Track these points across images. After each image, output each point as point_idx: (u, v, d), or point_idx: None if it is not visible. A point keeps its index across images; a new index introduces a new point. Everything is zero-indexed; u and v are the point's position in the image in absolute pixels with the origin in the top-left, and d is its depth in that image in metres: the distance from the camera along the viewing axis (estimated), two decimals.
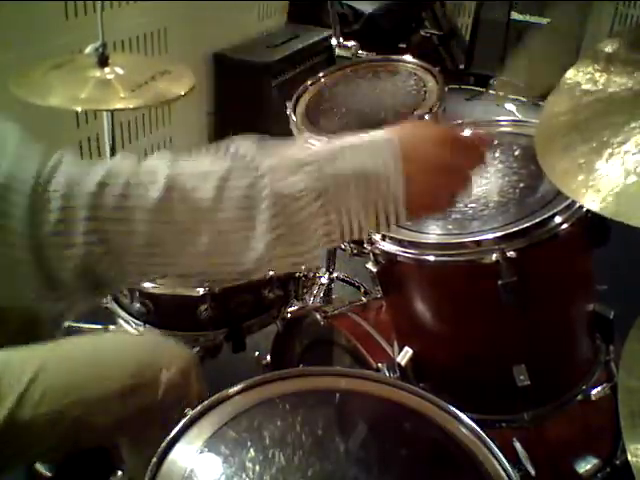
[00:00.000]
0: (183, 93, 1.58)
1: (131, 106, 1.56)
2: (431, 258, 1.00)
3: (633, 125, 0.71)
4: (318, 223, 0.65)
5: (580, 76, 0.84)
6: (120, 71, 1.59)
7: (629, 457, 0.61)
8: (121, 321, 1.49)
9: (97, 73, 1.57)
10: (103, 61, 1.58)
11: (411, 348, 1.13)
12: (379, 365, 1.17)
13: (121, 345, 1.15)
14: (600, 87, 0.80)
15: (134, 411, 1.06)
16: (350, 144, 0.68)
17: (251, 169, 0.64)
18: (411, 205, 0.68)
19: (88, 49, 1.61)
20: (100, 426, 1.07)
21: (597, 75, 0.81)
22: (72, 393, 1.03)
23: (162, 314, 1.42)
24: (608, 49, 0.84)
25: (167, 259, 0.64)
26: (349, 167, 0.66)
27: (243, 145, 0.66)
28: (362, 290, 1.80)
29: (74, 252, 0.61)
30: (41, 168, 0.62)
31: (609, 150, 0.70)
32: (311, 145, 0.68)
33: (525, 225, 0.95)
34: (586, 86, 0.81)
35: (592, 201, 0.68)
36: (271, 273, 1.41)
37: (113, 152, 1.86)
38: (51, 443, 1.02)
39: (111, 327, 1.60)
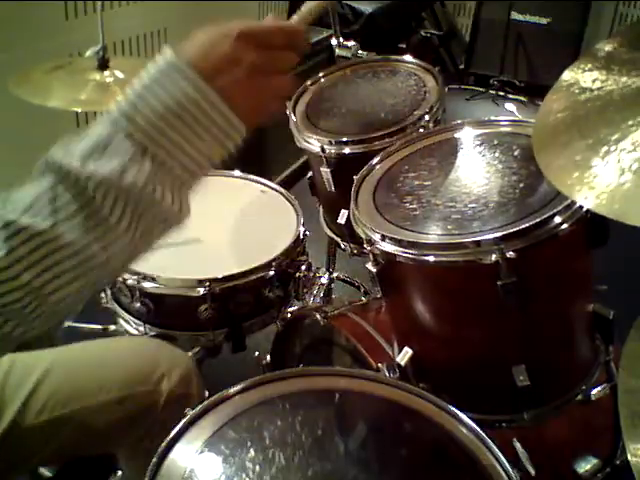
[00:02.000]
0: None
1: None
2: (431, 258, 1.00)
3: (630, 123, 0.71)
4: (160, 179, 0.64)
5: (579, 74, 0.84)
6: (120, 75, 1.59)
7: (629, 457, 0.61)
8: (121, 321, 1.49)
9: (97, 76, 1.57)
10: (103, 64, 1.58)
11: (411, 348, 1.13)
12: (379, 365, 1.17)
13: (123, 351, 1.15)
14: (598, 85, 0.80)
15: (135, 418, 1.06)
16: (143, 85, 0.67)
17: (66, 177, 0.62)
18: (241, 117, 0.67)
19: (88, 52, 1.61)
20: (102, 434, 1.07)
21: (595, 73, 0.81)
22: (75, 400, 1.03)
23: (162, 314, 1.42)
24: (607, 48, 0.84)
25: (49, 299, 0.62)
26: (160, 107, 0.64)
27: (52, 155, 0.64)
28: (362, 290, 1.80)
29: None
30: None
31: (605, 148, 0.70)
32: (108, 113, 0.66)
33: (525, 225, 0.95)
34: (584, 84, 0.81)
35: (586, 198, 0.68)
36: (271, 273, 1.41)
37: None
38: (52, 450, 1.02)
39: (111, 327, 1.60)
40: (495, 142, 1.20)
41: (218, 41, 0.70)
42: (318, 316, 1.36)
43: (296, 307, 1.52)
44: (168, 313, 1.43)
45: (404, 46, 3.92)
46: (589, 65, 0.83)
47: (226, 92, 0.66)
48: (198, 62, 0.67)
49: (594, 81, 0.80)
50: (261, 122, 0.71)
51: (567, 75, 0.85)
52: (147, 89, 0.66)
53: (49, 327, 0.66)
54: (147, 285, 1.37)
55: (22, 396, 1.00)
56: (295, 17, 0.79)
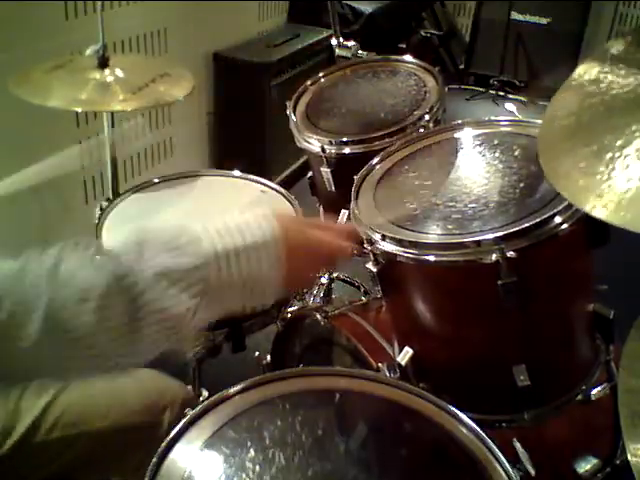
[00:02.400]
0: (182, 97, 1.57)
1: (130, 109, 1.55)
2: (431, 258, 1.00)
3: (634, 128, 0.71)
4: (193, 322, 0.69)
5: (585, 77, 0.84)
6: (120, 73, 1.59)
7: (629, 457, 0.61)
8: None
9: (97, 75, 1.57)
10: (103, 63, 1.58)
11: (411, 348, 1.13)
12: (379, 365, 1.17)
13: (133, 381, 1.15)
14: (604, 88, 0.79)
15: (136, 447, 1.06)
16: (236, 247, 0.71)
17: (128, 288, 0.64)
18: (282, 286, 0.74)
19: (88, 51, 1.61)
20: (103, 459, 1.07)
21: (602, 76, 0.81)
22: (84, 422, 1.03)
23: None
24: (613, 50, 0.84)
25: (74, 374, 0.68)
26: (235, 275, 0.70)
27: (122, 247, 0.67)
28: (362, 290, 1.80)
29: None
30: None
31: (610, 154, 0.70)
32: (194, 239, 0.70)
33: (525, 225, 0.95)
34: (591, 88, 0.81)
35: (593, 206, 0.67)
36: None
37: (113, 152, 1.86)
38: (55, 469, 1.02)
39: None
40: (495, 142, 1.19)
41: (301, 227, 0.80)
42: (318, 316, 1.36)
43: (296, 307, 1.52)
44: None
45: (404, 46, 3.92)
46: (593, 71, 0.83)
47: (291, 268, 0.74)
48: (287, 244, 0.74)
49: (599, 84, 0.80)
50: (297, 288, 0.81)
51: (571, 80, 0.85)
52: (238, 251, 0.71)
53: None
54: None
55: (36, 412, 1.00)
56: None
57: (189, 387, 1.42)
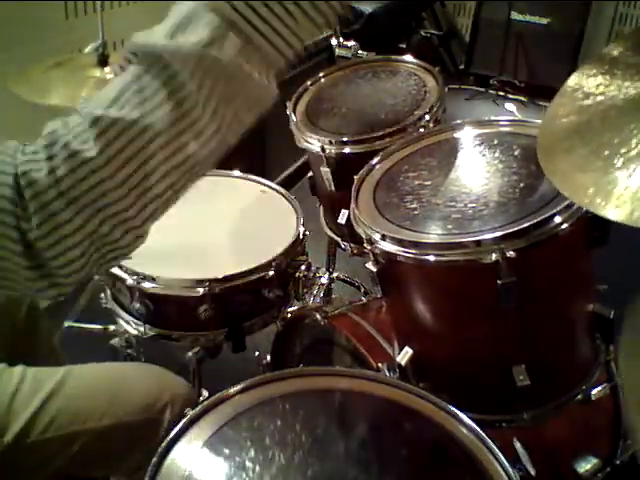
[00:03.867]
0: None
1: None
2: (431, 258, 1.00)
3: (633, 126, 0.71)
4: (244, 60, 0.61)
5: (584, 79, 0.84)
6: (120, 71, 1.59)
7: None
8: (121, 321, 1.49)
9: (97, 73, 1.57)
10: (103, 61, 1.58)
11: (411, 348, 1.13)
12: (379, 365, 1.17)
13: (132, 378, 1.14)
14: (603, 90, 0.80)
15: (136, 445, 1.06)
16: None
17: (156, 61, 0.60)
18: None
19: (88, 48, 1.61)
20: (102, 457, 1.06)
21: (600, 78, 0.81)
22: (80, 421, 1.02)
23: (162, 314, 1.42)
24: (612, 52, 0.84)
25: (150, 194, 0.61)
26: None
27: (140, 42, 0.63)
28: (362, 290, 1.80)
29: (74, 239, 0.59)
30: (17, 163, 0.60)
31: (609, 151, 0.70)
32: None
33: (525, 225, 0.95)
34: (589, 90, 0.81)
35: (591, 203, 0.68)
36: (271, 273, 1.41)
37: None
38: (52, 469, 1.01)
39: (111, 327, 1.60)
40: (495, 142, 1.19)
41: None
42: (318, 316, 1.36)
43: (296, 307, 1.52)
44: (168, 313, 1.43)
45: (404, 46, 3.92)
46: (593, 70, 0.83)
47: None
48: None
49: (598, 86, 0.80)
50: None
51: (571, 81, 0.85)
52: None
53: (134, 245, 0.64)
54: (147, 285, 1.37)
55: (30, 411, 0.99)
56: None
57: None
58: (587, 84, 0.82)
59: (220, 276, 1.36)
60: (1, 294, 1.23)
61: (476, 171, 1.14)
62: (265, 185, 1.69)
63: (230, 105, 0.61)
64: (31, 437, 0.98)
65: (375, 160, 1.27)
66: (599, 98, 0.79)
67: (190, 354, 1.44)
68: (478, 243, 0.97)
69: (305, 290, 1.58)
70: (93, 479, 1.16)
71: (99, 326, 1.67)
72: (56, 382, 1.04)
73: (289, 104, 1.58)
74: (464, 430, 0.86)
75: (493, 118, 1.26)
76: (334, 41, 1.83)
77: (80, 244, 0.60)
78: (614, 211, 0.65)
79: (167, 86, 0.59)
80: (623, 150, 0.69)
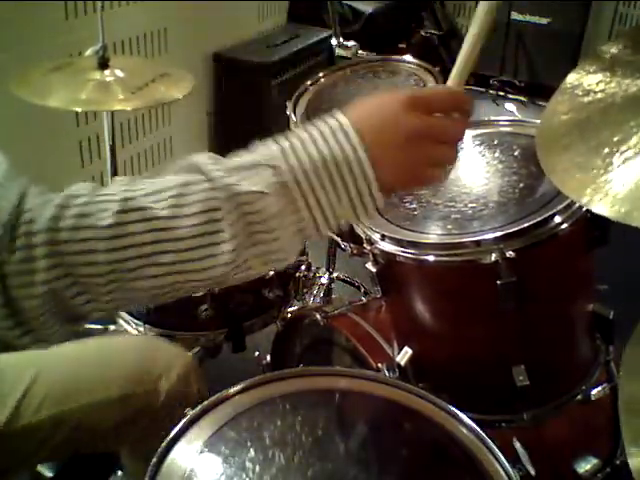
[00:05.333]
0: (182, 96, 1.58)
1: (129, 108, 1.56)
2: (431, 258, 1.00)
3: (632, 124, 0.71)
4: (288, 220, 0.63)
5: (583, 77, 0.84)
6: (120, 74, 1.59)
7: (629, 460, 0.61)
8: (121, 321, 1.49)
9: (97, 75, 1.57)
10: (103, 63, 1.58)
11: (411, 348, 1.13)
12: (379, 365, 1.17)
13: (121, 350, 1.14)
14: (603, 87, 0.80)
15: (134, 418, 1.06)
16: (309, 134, 0.65)
17: (206, 179, 0.63)
18: (386, 185, 0.65)
19: (88, 51, 1.61)
20: (100, 432, 1.06)
21: (600, 76, 0.81)
22: (72, 398, 1.02)
23: (162, 314, 1.42)
24: (611, 50, 0.84)
25: (133, 284, 0.62)
26: (315, 156, 0.64)
27: (196, 158, 0.65)
28: (362, 290, 1.80)
29: (38, 289, 0.60)
30: (18, 201, 0.61)
31: (608, 149, 0.70)
32: (264, 147, 0.66)
33: (525, 225, 0.95)
34: (589, 87, 0.81)
35: (590, 200, 0.68)
36: (271, 273, 1.41)
37: (113, 152, 1.86)
38: (51, 448, 1.02)
39: (111, 327, 1.60)
40: (495, 142, 1.19)
41: (384, 105, 0.68)
42: (318, 316, 1.36)
43: (296, 307, 1.52)
44: (168, 313, 1.43)
45: (404, 46, 3.92)
46: (593, 67, 0.83)
47: (380, 157, 0.65)
48: (361, 124, 0.65)
49: (597, 84, 0.80)
50: (415, 188, 0.69)
51: (571, 78, 0.85)
52: (310, 137, 0.65)
53: (109, 313, 0.66)
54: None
55: (17, 395, 0.99)
56: (453, 78, 0.75)
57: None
58: (587, 81, 0.82)
59: None
60: None
61: (476, 171, 1.14)
62: None
63: (248, 250, 0.64)
64: (22, 421, 0.98)
65: None
66: (599, 95, 0.79)
67: (190, 354, 1.44)
68: (478, 243, 0.97)
69: (305, 290, 1.58)
70: (99, 455, 1.17)
71: (99, 326, 1.67)
72: (40, 363, 1.04)
73: (289, 104, 1.57)
74: (464, 430, 0.86)
75: (493, 118, 1.26)
76: (334, 41, 1.83)
77: (44, 294, 0.60)
78: (613, 209, 0.65)
79: (205, 206, 0.62)
80: (623, 148, 0.69)
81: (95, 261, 0.60)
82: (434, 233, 1.03)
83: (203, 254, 0.62)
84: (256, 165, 0.63)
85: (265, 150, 0.65)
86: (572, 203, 0.96)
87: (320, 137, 0.64)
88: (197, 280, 0.64)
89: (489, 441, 0.83)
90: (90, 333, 1.71)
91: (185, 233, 0.61)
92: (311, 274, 1.59)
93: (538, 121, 0.87)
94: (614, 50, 0.84)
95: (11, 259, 0.59)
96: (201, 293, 1.35)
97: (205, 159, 0.64)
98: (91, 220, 0.61)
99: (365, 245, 1.08)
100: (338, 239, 1.60)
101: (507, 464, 0.80)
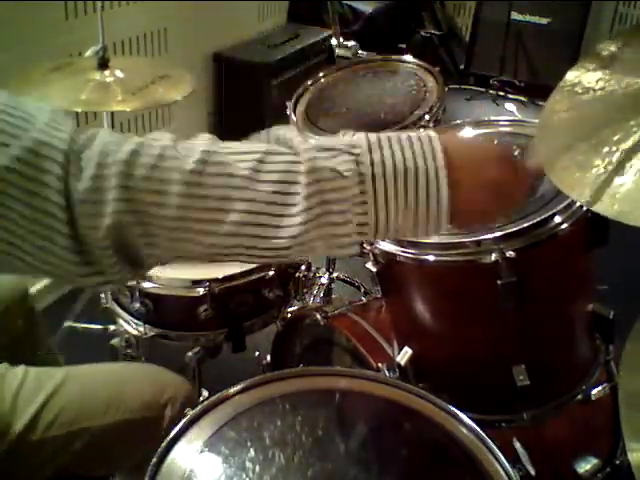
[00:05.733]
0: (181, 98, 1.58)
1: (128, 109, 1.56)
2: (431, 258, 1.00)
3: (632, 123, 0.71)
4: (354, 210, 0.63)
5: (582, 75, 0.84)
6: (120, 74, 1.59)
7: (629, 455, 0.61)
8: (121, 321, 1.49)
9: (97, 76, 1.57)
10: (103, 64, 1.58)
11: (411, 348, 1.13)
12: (379, 365, 1.17)
13: (133, 376, 1.15)
14: (603, 86, 0.80)
15: (138, 444, 1.06)
16: (398, 136, 0.66)
17: (290, 150, 0.63)
18: (455, 215, 0.65)
19: (88, 52, 1.61)
20: (104, 456, 1.07)
21: (599, 73, 0.81)
22: (83, 419, 1.02)
23: (162, 314, 1.42)
24: (610, 49, 0.84)
25: (196, 236, 0.62)
26: (398, 159, 0.64)
27: (284, 130, 0.66)
28: (362, 290, 1.80)
29: (104, 221, 0.60)
30: (74, 136, 0.61)
31: (607, 148, 0.70)
32: (350, 135, 0.67)
33: (524, 225, 0.95)
34: (588, 85, 0.81)
35: (589, 199, 0.68)
36: (271, 273, 1.41)
37: None
38: (54, 468, 1.01)
39: (111, 327, 1.60)
40: (495, 142, 1.19)
41: (484, 145, 0.73)
42: (318, 316, 1.36)
43: (296, 307, 1.52)
44: (168, 313, 1.43)
45: (404, 46, 3.92)
46: (592, 65, 0.83)
47: (460, 184, 0.65)
48: (452, 151, 0.66)
49: (597, 81, 0.80)
50: (472, 225, 0.75)
51: (570, 75, 0.85)
52: (398, 142, 0.65)
53: (163, 262, 0.66)
54: (147, 285, 1.37)
55: (33, 409, 0.99)
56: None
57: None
58: (586, 79, 0.82)
59: (220, 276, 1.36)
60: (4, 297, 1.24)
61: None
62: None
63: (318, 230, 0.63)
64: (35, 435, 0.99)
65: None
66: (598, 93, 0.79)
67: (190, 354, 1.44)
68: (478, 243, 0.97)
69: (305, 290, 1.58)
70: (94, 478, 1.17)
71: (99, 326, 1.67)
72: (58, 381, 1.04)
73: (289, 104, 1.58)
74: (464, 430, 0.86)
75: (493, 118, 1.26)
76: (334, 41, 1.83)
77: (110, 227, 0.60)
78: (612, 208, 0.65)
79: (285, 176, 0.62)
80: (622, 146, 0.69)
81: (166, 203, 0.60)
82: None
83: (271, 221, 0.62)
84: (341, 149, 0.64)
85: (352, 139, 0.65)
86: (572, 203, 0.96)
87: (407, 142, 0.65)
88: (260, 248, 0.64)
89: (489, 441, 0.83)
90: (90, 333, 1.72)
91: (258, 196, 0.61)
92: (311, 274, 1.59)
93: (538, 121, 0.87)
94: (613, 48, 0.84)
95: (79, 187, 0.59)
96: (201, 293, 1.35)
97: (294, 134, 0.65)
98: (170, 163, 0.61)
99: (365, 245, 1.08)
100: None
101: (507, 464, 0.80)
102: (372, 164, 0.63)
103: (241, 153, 0.63)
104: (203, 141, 0.64)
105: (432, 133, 0.66)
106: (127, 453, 1.07)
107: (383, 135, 0.66)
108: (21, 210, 0.59)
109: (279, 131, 0.67)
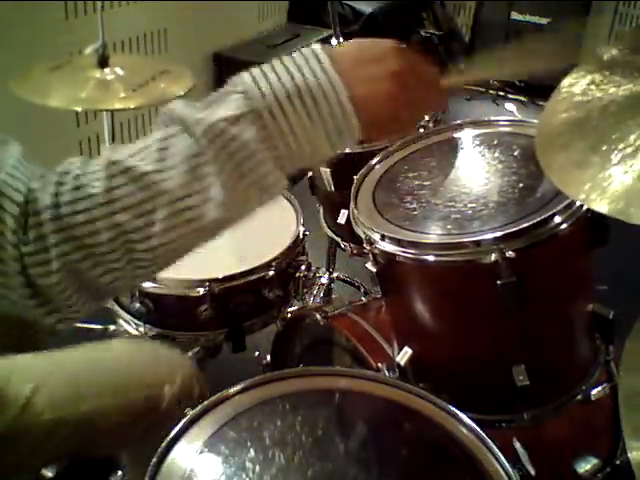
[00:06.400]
0: (182, 93, 1.58)
1: (131, 106, 1.56)
2: (430, 258, 1.00)
3: (631, 123, 0.71)
4: (263, 148, 0.62)
5: (583, 76, 0.84)
6: (120, 72, 1.59)
7: (629, 454, 0.61)
8: (121, 321, 1.49)
9: (97, 74, 1.57)
10: (103, 62, 1.58)
11: (411, 348, 1.13)
12: (379, 365, 1.17)
13: (126, 357, 1.14)
14: (603, 86, 0.80)
15: (137, 421, 1.06)
16: (281, 59, 0.65)
17: (183, 128, 0.63)
18: (365, 117, 0.64)
19: (88, 50, 1.61)
20: (103, 436, 1.06)
21: (600, 75, 0.81)
22: (78, 401, 1.02)
23: (162, 314, 1.42)
24: (610, 52, 0.84)
25: (141, 245, 0.63)
26: (286, 80, 0.63)
27: (173, 106, 0.65)
28: (362, 290, 1.80)
29: (54, 264, 0.61)
30: (32, 182, 0.63)
31: (606, 146, 0.70)
32: (237, 76, 0.65)
33: (524, 225, 0.95)
34: (589, 85, 0.82)
35: (587, 198, 0.68)
36: (271, 273, 1.41)
37: None
38: (53, 451, 1.02)
39: (111, 327, 1.60)
40: (495, 142, 1.19)
41: (369, 45, 0.68)
42: (318, 316, 1.36)
43: (296, 307, 1.52)
44: (168, 313, 1.43)
45: (404, 46, 3.92)
46: (591, 67, 0.83)
47: (359, 91, 0.64)
48: (341, 57, 0.65)
49: (597, 82, 0.81)
50: (395, 130, 0.70)
51: (571, 77, 0.85)
52: (282, 65, 0.65)
53: (132, 285, 0.67)
54: (147, 285, 1.37)
55: (25, 395, 0.99)
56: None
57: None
58: (586, 81, 0.82)
59: (220, 276, 1.36)
60: None
61: (476, 171, 1.14)
62: None
63: (241, 181, 0.63)
64: (28, 421, 0.98)
65: (375, 160, 1.27)
66: (598, 94, 0.79)
67: (190, 354, 1.44)
68: (478, 243, 0.97)
69: (305, 290, 1.58)
70: (97, 460, 1.17)
71: (99, 326, 1.67)
72: (49, 365, 1.04)
73: None
74: (464, 430, 0.86)
75: (493, 118, 1.26)
76: (334, 41, 1.83)
77: (60, 270, 0.61)
78: (610, 206, 0.65)
79: (187, 150, 0.62)
80: (621, 146, 0.69)
81: (97, 229, 0.61)
82: (434, 233, 1.03)
83: (196, 201, 0.62)
84: (225, 94, 0.63)
85: (236, 79, 0.65)
86: (572, 203, 0.96)
87: (291, 62, 0.64)
88: (201, 229, 0.64)
89: (489, 441, 0.83)
90: (90, 333, 1.72)
91: (173, 185, 0.61)
92: (311, 274, 1.59)
93: (538, 121, 0.87)
94: (614, 50, 0.84)
95: (25, 239, 0.61)
96: (201, 293, 1.35)
97: (181, 106, 0.64)
98: (85, 190, 0.61)
99: (365, 245, 1.08)
100: (338, 239, 1.61)
101: (507, 464, 0.80)
102: (263, 95, 0.62)
103: (140, 151, 0.63)
104: (105, 154, 0.64)
105: (315, 46, 0.65)
106: (126, 432, 1.07)
107: (266, 65, 0.65)
108: None
109: (167, 111, 0.65)
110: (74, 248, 0.61)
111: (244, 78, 0.64)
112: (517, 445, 1.06)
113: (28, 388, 1.00)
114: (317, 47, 0.65)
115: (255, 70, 0.64)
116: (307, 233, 1.53)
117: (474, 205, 1.05)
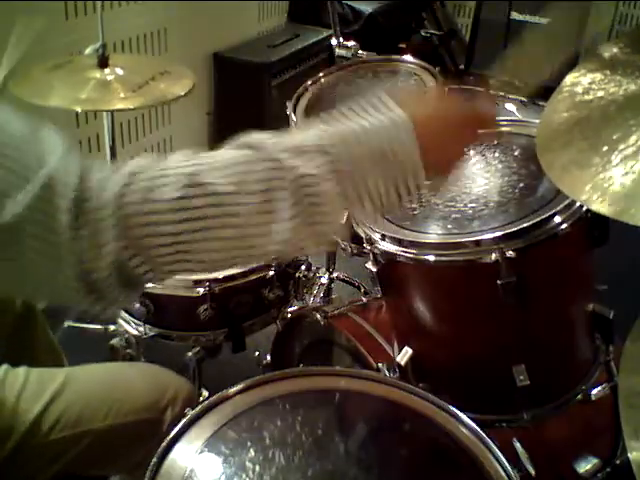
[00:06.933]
0: (183, 93, 1.58)
1: (131, 107, 1.56)
2: (431, 258, 1.00)
3: (632, 122, 0.71)
4: (338, 208, 0.67)
5: (584, 75, 0.84)
6: (120, 72, 1.59)
7: (629, 454, 0.61)
8: (121, 321, 1.49)
9: (97, 74, 1.57)
10: (103, 62, 1.58)
11: (411, 348, 1.13)
12: (379, 365, 1.17)
13: (134, 379, 1.15)
14: (603, 86, 0.80)
15: (138, 444, 1.06)
16: (362, 127, 0.69)
17: (268, 159, 0.65)
18: (429, 170, 0.70)
19: (88, 50, 1.61)
20: (104, 457, 1.07)
21: (601, 75, 0.81)
22: (84, 421, 1.02)
23: (162, 314, 1.42)
24: (612, 49, 0.84)
25: (194, 256, 0.65)
26: (365, 147, 0.67)
27: (257, 137, 0.67)
28: (362, 290, 1.80)
29: (107, 259, 0.62)
30: (81, 177, 0.63)
31: (607, 147, 0.70)
32: (322, 129, 0.69)
33: (525, 225, 0.95)
34: (589, 85, 0.82)
35: (588, 198, 0.68)
36: (271, 273, 1.41)
37: (113, 152, 1.86)
38: (56, 469, 1.01)
39: (111, 327, 1.60)
40: (495, 142, 1.19)
41: (453, 119, 0.77)
42: (318, 316, 1.36)
43: (296, 307, 1.52)
44: (168, 313, 1.43)
45: (404, 46, 3.92)
46: (592, 67, 0.83)
47: (431, 157, 0.70)
48: (423, 129, 0.70)
49: (598, 82, 0.81)
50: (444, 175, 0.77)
51: (571, 76, 0.85)
52: (371, 127, 0.69)
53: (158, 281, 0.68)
54: (147, 285, 1.37)
55: (35, 412, 0.99)
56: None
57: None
58: (587, 80, 0.82)
59: (220, 276, 1.36)
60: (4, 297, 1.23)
61: (476, 171, 1.14)
62: None
63: (306, 230, 0.66)
64: (37, 438, 0.99)
65: None
66: (599, 94, 0.79)
67: (190, 354, 1.44)
68: (478, 243, 0.97)
69: (305, 290, 1.58)
70: (91, 477, 1.17)
71: (99, 326, 1.67)
72: (60, 383, 1.04)
73: (289, 104, 1.57)
74: (464, 430, 0.86)
75: None
76: (334, 41, 1.83)
77: (110, 266, 0.62)
78: (610, 207, 0.65)
79: (268, 183, 0.64)
80: (621, 146, 0.69)
81: (160, 233, 0.62)
82: (434, 233, 1.03)
83: (261, 231, 0.64)
84: (316, 149, 0.66)
85: (325, 134, 0.68)
86: (572, 203, 0.96)
87: (379, 129, 0.68)
88: (255, 255, 0.68)
89: (489, 441, 0.83)
90: (90, 333, 1.72)
91: (246, 210, 0.63)
92: (311, 274, 1.59)
93: (538, 121, 0.87)
94: (614, 50, 0.84)
95: (80, 234, 0.61)
96: (201, 293, 1.35)
97: (267, 139, 0.67)
98: (157, 194, 0.62)
99: (365, 245, 1.08)
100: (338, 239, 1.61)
101: (507, 464, 0.80)
102: (351, 162, 0.66)
103: (221, 168, 0.64)
104: (182, 161, 0.65)
105: (400, 114, 0.69)
106: (126, 453, 1.07)
107: (355, 125, 0.68)
108: (33, 257, 0.61)
109: (253, 138, 0.68)
110: (129, 246, 0.62)
111: (333, 138, 0.67)
112: (517, 445, 1.06)
113: (43, 400, 1.01)
114: (402, 115, 0.69)
115: (345, 130, 0.68)
116: None
117: (474, 205, 1.05)
